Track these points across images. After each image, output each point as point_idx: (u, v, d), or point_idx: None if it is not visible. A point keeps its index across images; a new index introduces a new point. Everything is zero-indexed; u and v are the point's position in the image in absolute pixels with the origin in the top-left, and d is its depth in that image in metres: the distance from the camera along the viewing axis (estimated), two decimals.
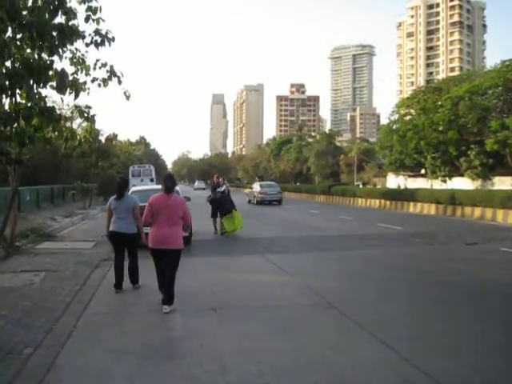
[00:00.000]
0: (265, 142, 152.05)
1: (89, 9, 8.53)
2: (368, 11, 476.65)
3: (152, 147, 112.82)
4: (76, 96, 9.25)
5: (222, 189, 19.80)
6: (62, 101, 22.50)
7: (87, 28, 8.79)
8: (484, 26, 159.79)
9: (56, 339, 6.39)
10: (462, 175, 46.70)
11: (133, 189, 18.21)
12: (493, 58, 74.57)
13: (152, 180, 46.00)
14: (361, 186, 60.22)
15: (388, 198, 38.90)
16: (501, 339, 6.48)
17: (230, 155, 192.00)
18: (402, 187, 46.89)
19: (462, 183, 43.49)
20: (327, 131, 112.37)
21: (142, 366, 5.57)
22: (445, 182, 47.99)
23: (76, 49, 9.20)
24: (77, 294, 8.94)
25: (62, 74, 8.90)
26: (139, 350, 6.03)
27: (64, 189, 38.08)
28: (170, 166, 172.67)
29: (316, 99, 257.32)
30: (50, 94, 11.12)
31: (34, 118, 9.16)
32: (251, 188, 50.31)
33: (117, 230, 9.46)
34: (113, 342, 6.39)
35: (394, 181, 60.26)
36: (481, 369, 5.43)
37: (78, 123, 35.33)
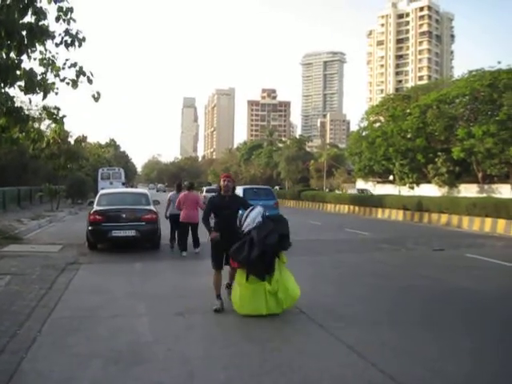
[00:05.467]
0: (235, 146, 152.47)
1: (60, 9, 8.42)
2: (339, 19, 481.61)
3: (122, 150, 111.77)
4: (44, 96, 9.12)
5: (253, 223, 7.91)
6: (30, 101, 22.15)
7: (58, 28, 8.68)
8: (452, 36, 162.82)
9: (20, 344, 6.25)
10: (429, 182, 47.47)
11: (102, 192, 17.99)
12: (460, 67, 76.57)
13: (123, 183, 45.41)
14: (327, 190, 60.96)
15: (356, 204, 39.28)
16: (466, 344, 6.58)
17: (200, 159, 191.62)
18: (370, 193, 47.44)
19: (429, 190, 44.19)
20: (298, 137, 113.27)
21: (108, 371, 5.49)
22: (412, 188, 48.70)
23: (46, 49, 9.08)
24: (42, 297, 8.77)
25: (30, 74, 8.78)
26: (105, 355, 5.94)
27: (31, 190, 37.42)
28: (139, 169, 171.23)
29: (287, 105, 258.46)
30: (17, 94, 10.98)
31: (1, 118, 9.02)
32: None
33: (174, 213, 15.13)
34: (78, 346, 6.29)
35: (363, 187, 60.92)
36: (447, 373, 5.51)
37: (46, 124, 34.87)
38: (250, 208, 8.24)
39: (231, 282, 8.57)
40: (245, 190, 24.66)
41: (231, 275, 8.51)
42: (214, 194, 10.17)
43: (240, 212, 8.47)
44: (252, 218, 7.98)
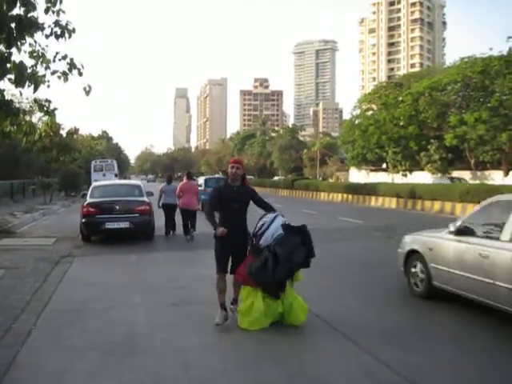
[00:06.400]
0: (228, 136, 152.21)
1: (48, 0, 8.34)
2: (331, 7, 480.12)
3: (115, 141, 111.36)
4: (35, 89, 9.05)
5: (271, 238, 6.70)
6: (21, 94, 22.01)
7: (47, 19, 8.58)
8: (444, 23, 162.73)
9: (15, 338, 6.26)
10: (422, 169, 47.63)
11: (94, 184, 17.97)
12: (452, 54, 76.42)
13: (116, 175, 45.18)
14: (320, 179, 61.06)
15: (350, 192, 39.35)
16: (461, 332, 6.63)
17: (193, 149, 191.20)
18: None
19: (422, 177, 44.33)
20: (290, 126, 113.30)
21: (104, 362, 5.51)
22: (405, 176, 48.90)
23: (35, 41, 8.99)
24: (37, 291, 8.77)
25: (20, 67, 8.69)
26: (101, 347, 5.96)
27: (24, 184, 37.30)
28: (132, 160, 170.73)
29: (279, 94, 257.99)
30: (8, 87, 10.89)
31: None
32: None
33: (167, 202, 16.32)
34: (74, 339, 6.30)
35: (356, 175, 61.03)
36: (440, 361, 5.56)
37: (38, 117, 34.67)
38: (272, 217, 6.85)
39: (237, 297, 7.12)
40: (206, 180, 26.45)
41: (236, 290, 7.10)
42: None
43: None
44: (273, 230, 6.72)
